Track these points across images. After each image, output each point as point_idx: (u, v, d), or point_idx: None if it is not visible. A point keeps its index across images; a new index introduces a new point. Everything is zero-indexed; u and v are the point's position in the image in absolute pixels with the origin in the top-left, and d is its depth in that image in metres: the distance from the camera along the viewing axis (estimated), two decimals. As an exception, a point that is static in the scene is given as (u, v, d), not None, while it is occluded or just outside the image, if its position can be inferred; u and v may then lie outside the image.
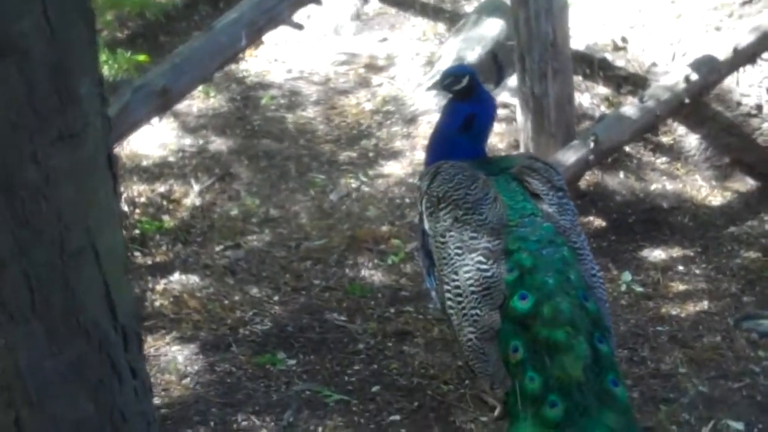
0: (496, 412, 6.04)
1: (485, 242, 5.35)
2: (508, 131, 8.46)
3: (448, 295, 5.39)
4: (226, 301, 7.04)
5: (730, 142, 8.46)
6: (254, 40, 6.97)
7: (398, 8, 10.36)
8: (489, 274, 5.23)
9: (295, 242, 7.63)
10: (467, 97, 6.13)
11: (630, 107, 8.03)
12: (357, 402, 6.14)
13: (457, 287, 5.33)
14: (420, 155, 8.48)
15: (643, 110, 7.92)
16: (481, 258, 5.28)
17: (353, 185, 8.21)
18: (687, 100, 8.04)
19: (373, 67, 9.60)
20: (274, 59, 9.84)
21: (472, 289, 5.24)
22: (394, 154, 8.55)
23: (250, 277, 7.31)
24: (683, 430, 5.95)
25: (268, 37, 9.94)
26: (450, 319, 5.44)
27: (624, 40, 9.07)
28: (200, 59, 6.39)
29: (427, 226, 5.70)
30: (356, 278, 7.27)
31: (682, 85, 8.00)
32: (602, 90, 8.76)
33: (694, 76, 7.99)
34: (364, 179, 8.26)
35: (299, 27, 6.92)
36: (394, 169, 8.39)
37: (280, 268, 7.38)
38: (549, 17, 7.51)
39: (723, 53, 8.14)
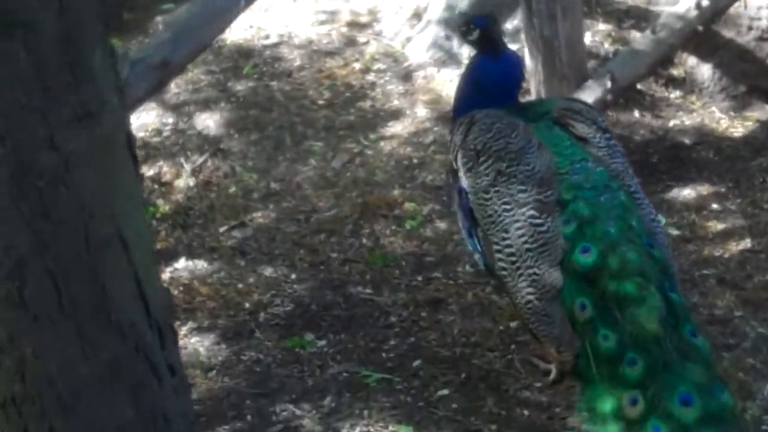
0: (551, 376, 5.67)
1: (536, 194, 4.96)
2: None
3: (499, 255, 5.00)
4: (241, 285, 6.59)
5: (745, 68, 8.05)
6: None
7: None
8: (544, 228, 4.86)
9: (304, 215, 7.17)
10: (485, 50, 5.69)
11: (643, 40, 7.62)
12: (400, 379, 5.75)
13: (509, 246, 4.95)
14: (421, 112, 8.06)
15: (656, 42, 7.51)
16: (533, 212, 4.90)
17: (355, 150, 7.74)
18: (700, 28, 7.62)
19: (356, 25, 9.11)
20: (249, 26, 9.31)
21: (527, 246, 4.87)
22: (394, 114, 8.08)
23: (262, 256, 6.85)
24: (752, 377, 5.58)
25: (240, 4, 9.47)
26: (503, 281, 5.04)
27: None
28: (198, 27, 5.89)
29: (466, 183, 5.26)
30: (375, 247, 6.82)
31: (694, 12, 7.59)
32: (603, 27, 8.31)
33: (705, 2, 7.56)
34: (366, 143, 7.80)
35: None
36: (397, 129, 7.93)
37: (292, 244, 6.91)
38: (556, -47, 7.03)
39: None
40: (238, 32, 9.22)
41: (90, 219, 4.02)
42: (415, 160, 7.57)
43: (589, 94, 7.08)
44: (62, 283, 4.05)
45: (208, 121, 8.17)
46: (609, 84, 7.13)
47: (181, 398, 4.69)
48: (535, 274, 4.81)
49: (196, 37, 5.81)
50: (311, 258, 6.76)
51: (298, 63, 8.78)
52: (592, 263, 4.68)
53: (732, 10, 7.99)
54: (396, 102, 8.19)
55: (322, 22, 9.22)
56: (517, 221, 4.92)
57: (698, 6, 7.57)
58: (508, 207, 4.97)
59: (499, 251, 4.97)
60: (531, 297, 4.82)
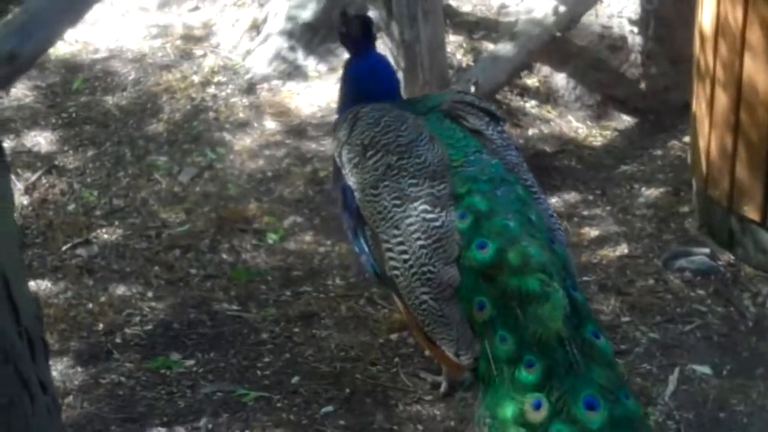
0: (442, 389, 5.32)
1: (428, 188, 4.56)
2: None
3: (389, 254, 4.56)
4: (91, 305, 6.07)
5: (599, 77, 7.94)
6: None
7: (203, -28, 9.38)
8: (438, 223, 4.45)
9: (154, 231, 6.67)
10: (361, 47, 5.36)
11: (503, 46, 7.41)
12: (279, 397, 5.37)
13: (401, 243, 4.51)
14: (270, 125, 7.66)
15: (516, 47, 7.29)
16: (425, 206, 4.50)
17: (203, 164, 7.27)
18: (558, 33, 7.45)
19: (190, 38, 8.63)
20: (75, 40, 8.75)
21: (420, 243, 4.45)
22: (241, 126, 7.64)
23: (112, 274, 6.32)
24: (650, 382, 5.36)
25: (62, 19, 8.91)
26: (395, 282, 4.57)
27: (463, -15, 8.47)
28: (49, 16, 5.36)
29: (352, 180, 4.85)
30: (237, 263, 6.37)
31: (552, 18, 7.43)
32: (454, 38, 8.06)
33: (562, 8, 7.39)
34: (214, 156, 7.34)
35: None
36: (246, 142, 7.48)
37: (145, 260, 6.40)
38: (414, -52, 6.73)
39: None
40: (62, 47, 8.65)
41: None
42: (269, 173, 7.15)
43: (452, 101, 6.77)
44: None
45: (38, 138, 7.60)
46: (473, 89, 6.85)
47: (53, 418, 4.18)
48: (429, 272, 4.40)
49: (48, 27, 5.28)
50: (168, 275, 6.27)
51: (132, 77, 8.25)
52: (489, 259, 4.31)
53: (583, 18, 7.84)
54: (241, 115, 7.75)
55: (155, 36, 8.72)
56: (408, 216, 4.52)
57: (555, 12, 7.39)
58: (398, 202, 4.58)
59: (389, 249, 4.56)
60: (426, 297, 4.41)
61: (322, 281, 6.20)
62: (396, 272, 4.54)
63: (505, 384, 4.13)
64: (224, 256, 6.42)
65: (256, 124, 7.66)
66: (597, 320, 4.59)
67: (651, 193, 7.07)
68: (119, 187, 7.10)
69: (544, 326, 4.11)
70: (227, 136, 7.53)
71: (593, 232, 6.63)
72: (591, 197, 7.02)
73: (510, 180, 4.66)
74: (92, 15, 8.82)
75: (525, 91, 7.90)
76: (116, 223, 6.76)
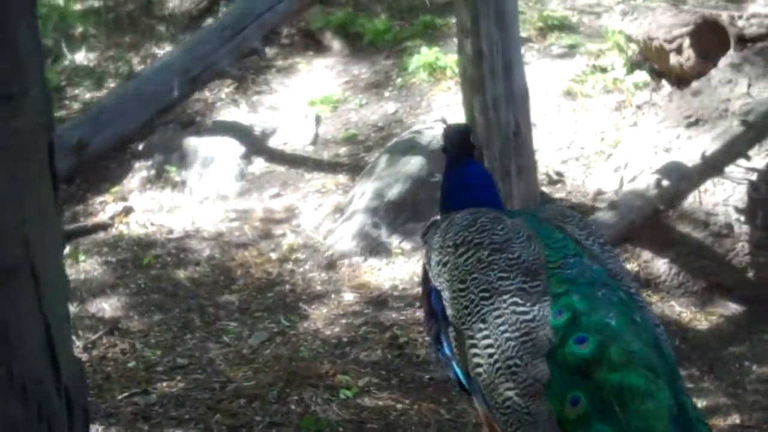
0: None
1: (519, 283, 4.05)
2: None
3: (474, 351, 4.02)
4: (145, 450, 5.47)
5: (704, 264, 7.39)
6: (188, 91, 5.63)
7: (289, 166, 9.10)
8: (529, 316, 3.94)
9: (218, 384, 6.11)
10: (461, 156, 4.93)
11: (604, 214, 6.95)
12: None
13: (487, 337, 3.99)
14: (348, 297, 7.17)
15: (616, 216, 6.84)
16: (516, 299, 4.00)
17: (275, 330, 6.77)
18: (661, 207, 6.98)
19: (271, 220, 8.29)
20: (150, 224, 8.43)
21: (507, 335, 3.93)
22: (318, 297, 7.17)
23: (169, 421, 5.75)
24: None
25: (138, 204, 8.68)
26: (478, 383, 4.02)
27: (559, 174, 8.09)
28: (123, 110, 5.03)
29: (439, 281, 4.31)
30: (306, 413, 5.76)
31: (654, 191, 6.97)
32: (547, 223, 7.61)
33: (665, 182, 6.96)
34: (287, 323, 6.84)
35: (241, 79, 5.63)
36: (321, 311, 7.01)
37: (206, 409, 5.85)
38: (510, 104, 6.40)
39: (690, 161, 7.17)
40: (137, 229, 8.38)
41: (-5, 234, 3.06)
42: (344, 339, 6.63)
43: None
44: (-48, 315, 3.04)
45: (103, 305, 7.20)
46: (570, 251, 6.35)
47: None
48: (515, 365, 3.89)
49: (120, 120, 4.94)
50: (230, 421, 5.71)
51: (207, 253, 7.89)
52: (589, 354, 3.81)
53: (686, 205, 7.39)
54: (319, 287, 7.31)
55: (233, 219, 8.39)
56: (497, 309, 4.01)
57: (658, 185, 6.97)
58: (486, 295, 4.06)
59: (474, 345, 4.03)
60: (510, 393, 3.87)
61: (397, 436, 5.58)
62: (479, 369, 4.01)
63: None
64: (292, 407, 5.85)
65: (333, 296, 7.20)
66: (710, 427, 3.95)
67: (764, 371, 6.42)
68: (185, 348, 6.62)
69: (647, 425, 3.63)
70: (303, 306, 7.07)
71: (701, 403, 5.97)
72: (698, 373, 6.43)
73: (612, 285, 4.11)
74: (169, 202, 8.59)
75: (624, 275, 7.36)
76: (178, 377, 6.24)
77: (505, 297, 4.01)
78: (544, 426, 3.79)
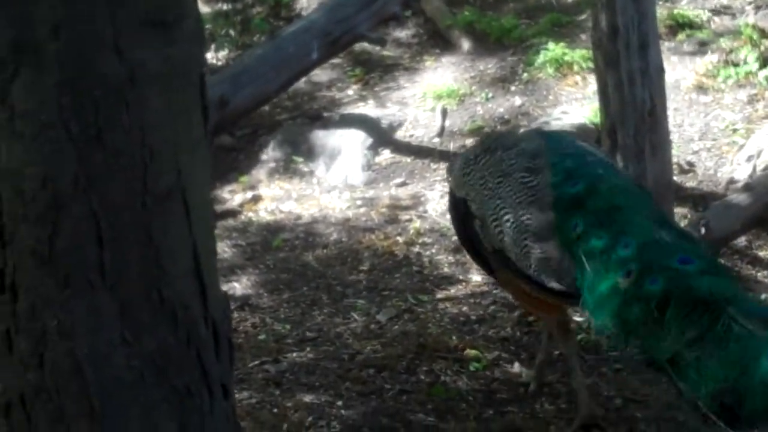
0: (531, 387, 5.70)
1: (525, 162, 5.11)
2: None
3: (495, 224, 5.05)
4: (276, 410, 5.55)
5: None
6: (328, 54, 5.66)
7: (415, 156, 9.16)
8: (534, 183, 5.01)
9: (347, 355, 6.15)
10: None
11: (737, 195, 6.86)
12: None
13: (503, 208, 5.04)
14: (476, 278, 7.13)
15: (751, 197, 6.75)
16: (522, 174, 5.06)
17: (403, 307, 6.78)
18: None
19: (397, 207, 8.33)
20: (279, 211, 8.54)
21: (518, 199, 5.00)
22: (445, 278, 7.18)
23: (300, 386, 5.80)
24: None
25: (267, 193, 8.79)
26: (502, 253, 5.05)
27: (690, 164, 8.00)
28: (263, 71, 5.07)
29: (463, 192, 5.34)
30: (436, 383, 5.78)
31: (792, 174, 6.87)
32: (678, 210, 7.52)
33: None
34: (414, 301, 6.84)
35: (381, 42, 5.66)
36: (449, 291, 7.02)
37: (336, 377, 5.90)
38: (645, 81, 6.33)
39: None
40: (266, 216, 8.51)
41: (150, 159, 3.12)
42: (473, 317, 6.62)
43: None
44: (107, 237, 3.09)
45: (234, 284, 7.28)
46: (703, 231, 6.28)
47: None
48: (528, 217, 4.92)
49: (260, 80, 4.98)
50: (360, 387, 5.75)
51: (334, 237, 7.96)
52: (580, 190, 4.88)
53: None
54: (446, 269, 7.32)
55: (359, 206, 8.44)
56: (508, 185, 5.06)
57: (794, 168, 6.87)
58: (500, 179, 5.10)
59: (495, 219, 5.04)
60: (526, 241, 4.90)
61: (529, 405, 5.57)
62: (501, 235, 5.00)
63: (601, 272, 4.59)
64: (422, 377, 5.87)
65: (461, 277, 7.20)
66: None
67: None
68: (313, 323, 6.66)
69: (634, 222, 4.72)
70: (430, 286, 7.08)
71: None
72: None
73: (603, 160, 5.42)
74: (297, 191, 8.69)
75: (756, 261, 7.26)
76: (308, 349, 6.28)
77: (514, 174, 5.05)
78: (558, 260, 4.81)
